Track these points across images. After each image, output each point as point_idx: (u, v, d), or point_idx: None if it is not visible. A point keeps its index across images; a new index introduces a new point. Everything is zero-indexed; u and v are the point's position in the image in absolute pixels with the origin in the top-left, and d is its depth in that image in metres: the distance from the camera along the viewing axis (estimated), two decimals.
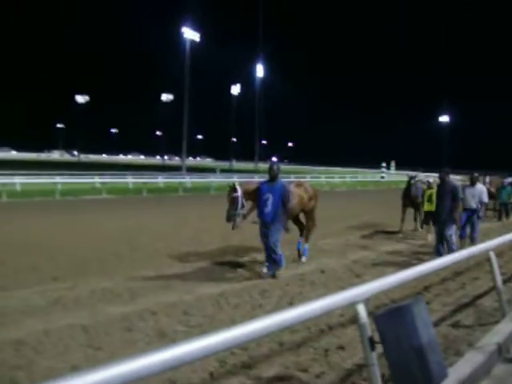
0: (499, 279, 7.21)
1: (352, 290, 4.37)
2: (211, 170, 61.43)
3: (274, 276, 9.99)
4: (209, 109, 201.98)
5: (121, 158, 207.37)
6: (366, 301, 4.44)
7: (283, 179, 11.73)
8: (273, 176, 10.17)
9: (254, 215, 10.48)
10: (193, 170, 64.02)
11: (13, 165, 56.17)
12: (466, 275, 10.63)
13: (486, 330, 6.71)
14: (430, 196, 14.27)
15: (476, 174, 14.22)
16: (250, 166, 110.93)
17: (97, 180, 35.83)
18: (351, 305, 4.27)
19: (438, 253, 11.43)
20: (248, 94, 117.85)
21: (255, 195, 10.30)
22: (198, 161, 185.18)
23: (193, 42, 79.74)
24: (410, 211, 17.63)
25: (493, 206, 24.70)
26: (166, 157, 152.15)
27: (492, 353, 5.77)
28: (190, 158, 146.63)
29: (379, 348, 4.16)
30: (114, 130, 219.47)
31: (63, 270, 10.24)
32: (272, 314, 3.65)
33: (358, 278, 9.95)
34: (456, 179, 28.39)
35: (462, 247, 11.85)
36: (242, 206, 10.33)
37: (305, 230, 11.99)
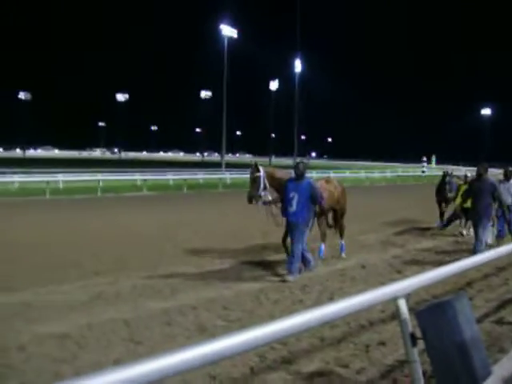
0: None
1: (393, 285, 4.32)
2: (250, 166, 61.29)
3: (286, 279, 9.41)
4: (247, 105, 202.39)
5: (161, 155, 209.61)
6: (407, 296, 4.38)
7: (312, 175, 11.58)
8: (299, 174, 9.79)
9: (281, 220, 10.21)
10: (232, 166, 64.11)
11: (55, 163, 57.26)
12: (510, 271, 10.41)
13: None
14: (464, 191, 13.90)
15: (511, 169, 13.80)
16: (288, 161, 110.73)
17: (138, 177, 36.25)
18: (392, 300, 4.22)
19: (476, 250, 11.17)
20: (286, 89, 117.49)
21: (279, 185, 10.05)
22: (238, 157, 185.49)
23: (231, 38, 79.87)
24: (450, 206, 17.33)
25: None
26: (205, 153, 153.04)
27: None
28: (230, 155, 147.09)
29: (421, 344, 4.10)
30: (153, 128, 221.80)
31: (105, 266, 10.40)
32: (312, 308, 3.63)
33: (399, 274, 9.84)
34: (495, 173, 27.80)
35: (499, 245, 11.52)
36: (265, 188, 10.10)
37: (337, 228, 11.80)
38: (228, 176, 42.40)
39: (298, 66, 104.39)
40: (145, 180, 34.33)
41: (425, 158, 79.41)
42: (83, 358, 5.69)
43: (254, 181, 10.10)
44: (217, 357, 2.96)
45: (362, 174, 56.42)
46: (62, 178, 32.16)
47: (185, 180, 35.44)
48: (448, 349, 3.96)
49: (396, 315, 4.22)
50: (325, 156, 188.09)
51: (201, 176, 40.98)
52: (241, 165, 64.95)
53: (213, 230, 15.66)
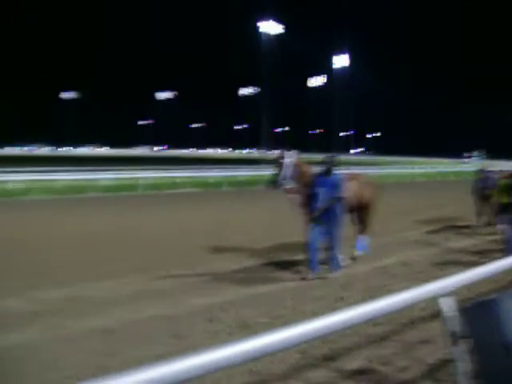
0: None
1: (436, 282, 4.27)
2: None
3: (308, 277, 9.31)
4: (292, 101, 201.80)
5: (205, 152, 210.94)
6: (450, 294, 4.31)
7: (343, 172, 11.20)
8: (327, 169, 9.62)
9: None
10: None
11: (98, 161, 58.07)
12: None
13: None
14: (504, 187, 13.40)
15: None
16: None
17: (181, 174, 36.38)
18: (435, 298, 4.17)
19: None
20: (331, 84, 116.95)
21: (304, 178, 9.80)
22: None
23: (274, 34, 79.85)
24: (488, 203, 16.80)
25: None
26: (249, 150, 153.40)
27: None
28: (274, 151, 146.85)
29: (465, 343, 4.04)
30: (198, 125, 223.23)
31: (149, 262, 10.54)
32: (354, 306, 3.61)
33: (442, 271, 9.68)
34: None
35: None
36: (287, 177, 9.81)
37: (362, 226, 11.11)
38: (269, 173, 41.97)
39: (343, 60, 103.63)
40: (188, 177, 34.46)
41: (471, 153, 77.97)
42: (127, 352, 5.79)
43: (278, 167, 9.93)
44: (258, 353, 2.97)
45: (406, 170, 55.58)
46: (102, 175, 32.49)
47: (228, 177, 35.31)
48: (493, 348, 3.89)
49: (439, 313, 4.17)
50: (369, 151, 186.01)
51: (244, 173, 40.84)
52: None
53: (256, 227, 15.69)
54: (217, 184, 35.02)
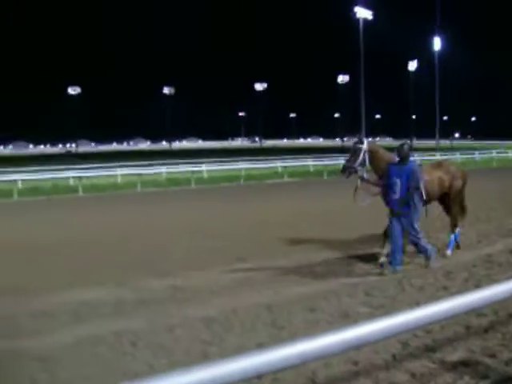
0: None
1: None
2: (389, 150, 59.89)
3: (384, 272, 8.80)
4: (386, 87, 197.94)
5: (300, 141, 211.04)
6: None
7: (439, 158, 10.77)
8: (402, 157, 8.97)
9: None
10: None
11: (199, 153, 59.49)
12: None
13: None
14: None
15: None
16: (431, 143, 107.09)
17: (278, 164, 36.67)
18: None
19: None
20: (426, 68, 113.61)
21: (381, 166, 9.33)
22: (378, 140, 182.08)
23: (366, 20, 78.53)
24: None
25: None
26: (345, 138, 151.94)
27: None
28: (370, 139, 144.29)
29: None
30: (292, 115, 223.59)
31: (247, 252, 10.72)
32: (457, 295, 3.54)
33: None
34: None
35: None
36: (363, 164, 9.38)
37: (450, 217, 10.43)
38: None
39: (437, 44, 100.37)
40: (285, 167, 34.70)
41: None
42: (228, 340, 5.96)
43: (355, 152, 9.47)
44: (359, 342, 2.98)
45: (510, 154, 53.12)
46: (206, 167, 33.35)
47: (325, 166, 35.21)
48: None
49: None
50: (469, 136, 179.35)
51: (341, 161, 40.40)
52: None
53: (352, 216, 15.52)
54: (317, 173, 34.82)
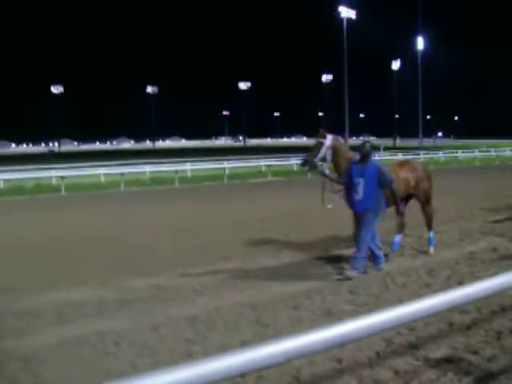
0: None
1: None
2: (374, 149, 60.23)
3: (346, 274, 8.39)
4: (370, 86, 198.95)
5: (284, 140, 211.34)
6: None
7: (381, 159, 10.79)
8: (364, 155, 8.63)
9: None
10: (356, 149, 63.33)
11: (183, 152, 59.34)
12: None
13: None
14: None
15: None
16: (414, 143, 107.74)
17: (262, 163, 36.70)
18: None
19: None
20: (409, 68, 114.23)
21: (342, 164, 9.07)
22: (361, 140, 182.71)
23: (350, 19, 78.83)
24: None
25: None
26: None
27: None
28: (353, 138, 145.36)
29: None
30: (276, 114, 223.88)
31: (231, 251, 10.69)
32: (440, 293, 3.55)
33: None
34: None
35: None
36: (324, 159, 9.13)
37: (424, 218, 10.29)
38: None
39: (420, 43, 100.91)
40: (269, 166, 34.72)
41: None
42: (212, 339, 5.94)
43: (317, 146, 9.24)
44: (343, 340, 2.98)
45: (493, 153, 53.70)
46: (189, 166, 33.28)
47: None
48: None
49: None
50: (451, 136, 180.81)
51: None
52: None
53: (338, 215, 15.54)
54: (301, 172, 34.82)
